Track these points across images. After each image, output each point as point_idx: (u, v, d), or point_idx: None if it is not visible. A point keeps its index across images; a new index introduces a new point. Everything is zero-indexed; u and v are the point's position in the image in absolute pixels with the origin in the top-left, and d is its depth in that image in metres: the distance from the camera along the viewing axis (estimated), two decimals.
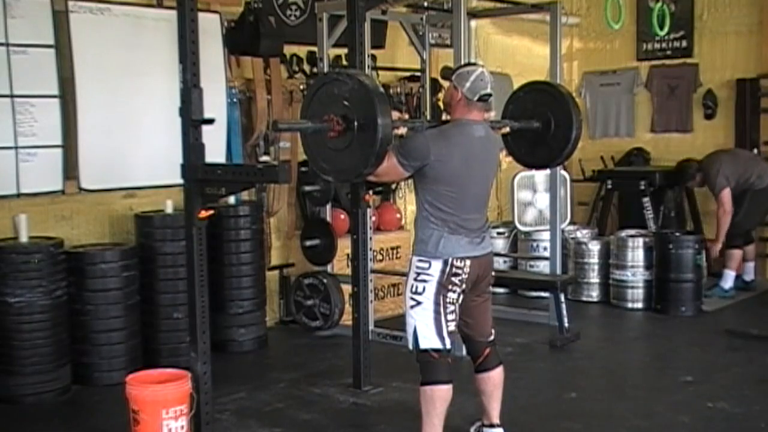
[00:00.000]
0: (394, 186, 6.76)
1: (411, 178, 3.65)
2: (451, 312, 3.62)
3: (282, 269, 6.33)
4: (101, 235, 5.32)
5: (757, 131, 7.65)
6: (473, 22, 6.92)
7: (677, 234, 6.78)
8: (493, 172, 3.80)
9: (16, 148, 4.80)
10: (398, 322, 4.99)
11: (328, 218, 6.13)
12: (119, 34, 5.20)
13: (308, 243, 6.06)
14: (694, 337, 5.98)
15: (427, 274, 3.59)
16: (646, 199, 7.53)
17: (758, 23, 7.72)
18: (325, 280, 5.97)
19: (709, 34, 7.99)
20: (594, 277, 7.03)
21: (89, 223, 5.28)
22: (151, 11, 5.37)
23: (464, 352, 4.05)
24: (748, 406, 4.47)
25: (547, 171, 6.37)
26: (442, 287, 3.58)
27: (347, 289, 5.54)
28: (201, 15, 3.80)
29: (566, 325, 5.81)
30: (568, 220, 6.95)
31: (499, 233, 7.54)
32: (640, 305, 6.73)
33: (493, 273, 3.91)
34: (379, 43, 6.63)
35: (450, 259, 3.58)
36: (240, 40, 5.65)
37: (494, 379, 3.87)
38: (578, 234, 7.37)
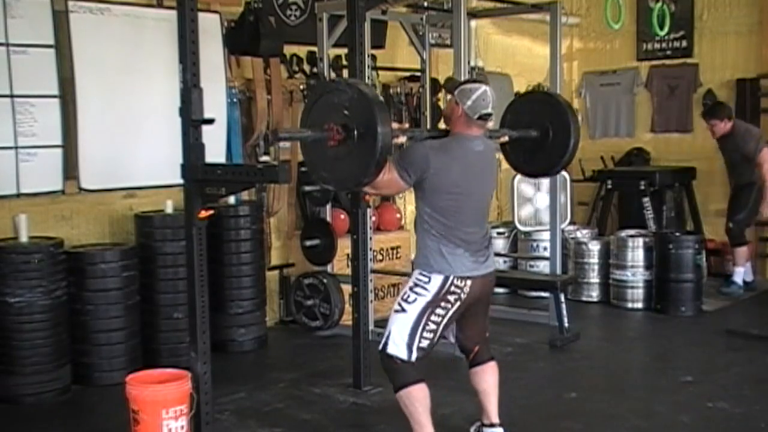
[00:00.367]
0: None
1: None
2: (430, 330, 3.61)
3: (282, 269, 6.33)
4: (101, 235, 5.32)
5: None
6: (473, 22, 6.93)
7: (677, 234, 6.78)
8: (492, 186, 3.83)
9: (16, 148, 4.80)
10: None
11: (328, 218, 6.14)
12: (119, 34, 5.20)
13: (308, 243, 6.06)
14: (694, 337, 5.98)
15: (424, 288, 3.60)
16: (646, 199, 7.53)
17: (758, 23, 7.72)
18: (325, 280, 5.97)
19: (709, 34, 8.00)
20: (594, 277, 7.03)
21: (89, 223, 5.28)
22: (151, 11, 5.37)
23: (458, 351, 4.05)
24: (748, 406, 4.47)
25: None
26: (434, 303, 3.59)
27: (347, 289, 5.54)
28: (201, 15, 3.79)
29: (566, 325, 5.81)
30: (568, 220, 6.94)
31: (499, 233, 7.54)
32: (640, 305, 6.73)
33: (492, 292, 3.94)
34: (379, 43, 6.63)
35: (451, 277, 3.59)
36: (240, 40, 5.65)
37: (488, 375, 3.88)
38: (578, 234, 7.37)
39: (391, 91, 6.83)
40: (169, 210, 5.25)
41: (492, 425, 3.88)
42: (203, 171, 3.71)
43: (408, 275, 3.95)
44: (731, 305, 6.80)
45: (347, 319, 5.58)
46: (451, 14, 5.55)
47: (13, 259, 4.58)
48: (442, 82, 6.82)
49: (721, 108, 7.07)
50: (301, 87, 6.12)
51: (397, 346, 3.60)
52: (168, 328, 5.15)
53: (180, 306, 4.92)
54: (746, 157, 6.79)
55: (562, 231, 6.51)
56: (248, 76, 5.96)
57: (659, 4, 7.32)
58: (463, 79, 3.65)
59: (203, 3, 5.14)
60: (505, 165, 8.49)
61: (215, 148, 5.36)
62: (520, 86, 8.06)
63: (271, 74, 5.96)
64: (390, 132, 3.28)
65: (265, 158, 6.00)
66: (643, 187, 7.55)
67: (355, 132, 3.26)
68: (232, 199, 5.57)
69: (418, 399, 3.61)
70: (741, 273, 7.04)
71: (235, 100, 5.84)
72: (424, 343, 3.61)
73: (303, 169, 6.14)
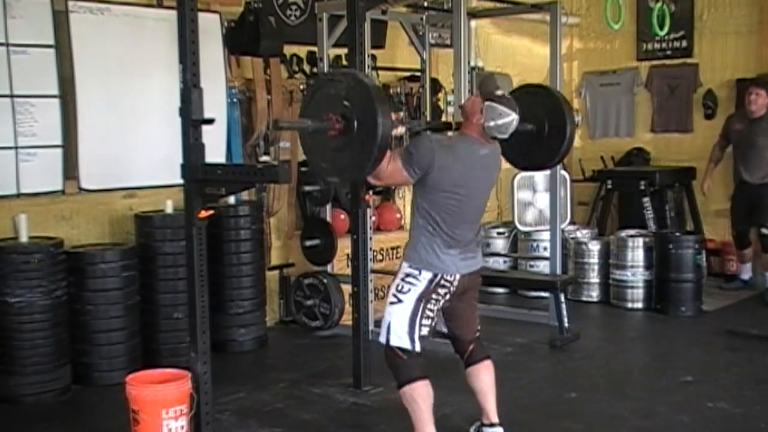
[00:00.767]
0: (393, 186, 6.76)
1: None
2: (428, 317, 3.65)
3: (282, 269, 6.33)
4: (101, 235, 5.32)
5: None
6: (473, 22, 6.93)
7: (677, 234, 6.78)
8: (489, 190, 3.83)
9: (16, 148, 4.80)
10: None
11: (328, 218, 6.13)
12: (119, 34, 5.20)
13: (308, 243, 6.06)
14: (694, 337, 5.98)
15: (416, 279, 3.64)
16: (646, 199, 7.53)
17: (758, 23, 7.72)
18: (325, 280, 5.97)
19: (709, 34, 7.99)
20: (594, 277, 7.03)
21: (89, 223, 5.28)
22: (151, 11, 5.37)
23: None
24: (748, 406, 4.47)
25: (547, 171, 6.37)
26: (426, 295, 3.63)
27: (347, 289, 5.54)
28: (201, 15, 3.79)
29: (566, 325, 5.81)
30: (568, 220, 6.94)
31: (499, 233, 7.54)
32: (640, 305, 6.73)
33: (479, 284, 3.94)
34: (379, 43, 6.63)
35: (440, 274, 3.62)
36: (240, 40, 5.65)
37: (483, 373, 3.89)
38: (578, 234, 7.37)
39: (391, 91, 6.82)
40: (169, 210, 5.25)
41: (492, 425, 3.88)
42: (203, 171, 3.71)
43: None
44: (731, 305, 6.79)
45: (347, 319, 5.58)
46: (451, 14, 5.56)
47: (13, 259, 4.58)
48: (446, 82, 6.83)
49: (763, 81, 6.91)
50: (301, 87, 6.11)
51: (400, 337, 3.62)
52: (168, 328, 5.15)
53: (180, 306, 4.92)
54: None
55: (562, 231, 6.51)
56: (248, 76, 5.96)
57: (659, 4, 7.31)
58: (500, 92, 3.65)
59: (203, 3, 5.14)
60: (505, 165, 8.53)
61: (215, 148, 5.36)
62: None
63: (271, 74, 5.96)
64: (390, 122, 3.28)
65: (265, 158, 6.01)
66: (643, 187, 7.55)
67: (355, 122, 3.26)
68: (232, 199, 5.57)
69: (421, 396, 3.62)
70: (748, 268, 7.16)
71: (235, 100, 5.84)
72: (424, 331, 3.64)
73: (303, 169, 6.14)
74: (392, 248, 6.54)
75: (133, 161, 5.29)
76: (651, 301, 6.69)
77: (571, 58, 8.75)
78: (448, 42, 6.70)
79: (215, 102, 5.36)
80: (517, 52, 8.11)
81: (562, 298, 5.88)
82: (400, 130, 3.59)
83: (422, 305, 3.63)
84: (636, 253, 6.76)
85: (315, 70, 6.12)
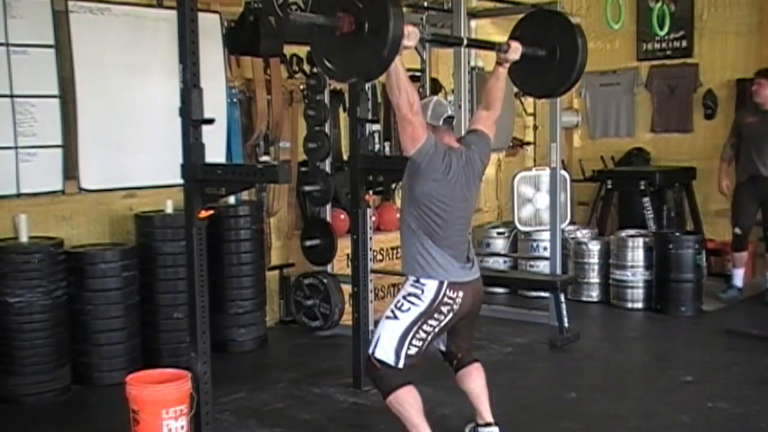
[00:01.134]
0: (394, 186, 6.75)
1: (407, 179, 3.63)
2: (420, 339, 3.61)
3: (282, 269, 6.33)
4: (101, 235, 5.32)
5: None
6: (473, 22, 6.93)
7: (677, 234, 6.78)
8: (475, 195, 3.79)
9: (16, 148, 4.80)
10: None
11: (328, 218, 6.13)
12: (119, 34, 5.20)
13: (308, 243, 6.06)
14: (694, 337, 5.98)
15: (418, 299, 3.60)
16: (646, 199, 7.53)
17: (758, 23, 7.71)
18: (325, 280, 5.97)
19: (709, 34, 7.99)
20: (594, 277, 7.03)
21: (89, 223, 5.28)
22: (151, 11, 5.37)
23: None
24: (748, 406, 4.47)
25: (547, 170, 6.37)
26: (427, 314, 3.59)
27: (347, 289, 5.54)
28: (201, 15, 3.79)
29: (566, 325, 5.81)
30: (568, 220, 6.94)
31: (499, 233, 7.54)
32: (640, 305, 6.73)
33: (480, 304, 3.92)
34: None
35: (444, 285, 3.58)
36: (240, 40, 5.65)
37: (474, 375, 3.89)
38: (578, 234, 7.37)
39: None
40: (169, 210, 5.25)
41: (487, 424, 3.88)
42: (203, 171, 3.71)
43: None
44: (731, 305, 6.79)
45: (347, 319, 5.58)
46: (451, 14, 5.56)
47: (13, 259, 4.58)
48: (446, 82, 6.84)
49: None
50: (301, 87, 6.12)
51: (386, 351, 3.60)
52: (168, 328, 5.15)
53: (180, 306, 4.92)
54: None
55: (562, 231, 6.51)
56: (248, 76, 5.97)
57: (659, 4, 7.31)
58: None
59: (203, 3, 5.14)
60: (505, 165, 8.51)
61: (215, 148, 5.36)
62: None
63: (271, 74, 5.96)
64: (401, 25, 3.20)
65: (265, 158, 6.01)
66: (643, 187, 7.54)
67: (366, 23, 3.18)
68: (232, 199, 5.57)
69: (407, 401, 3.61)
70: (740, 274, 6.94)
71: (235, 100, 5.84)
72: (412, 351, 3.60)
73: (303, 169, 6.15)
74: (392, 248, 6.54)
75: (133, 161, 5.29)
76: (651, 301, 6.69)
77: None
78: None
79: (215, 102, 5.36)
80: None
81: (562, 298, 5.88)
82: (412, 42, 3.45)
83: (417, 327, 3.58)
84: (636, 253, 6.76)
85: (315, 70, 6.11)
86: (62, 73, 4.95)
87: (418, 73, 6.76)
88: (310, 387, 4.86)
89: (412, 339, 3.59)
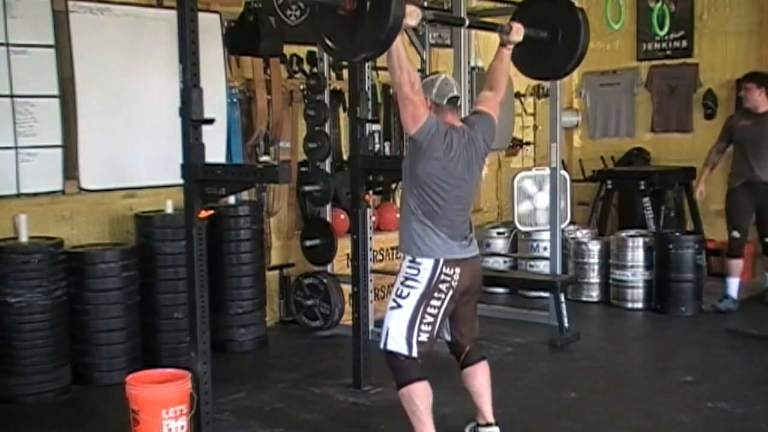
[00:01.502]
0: (394, 186, 6.75)
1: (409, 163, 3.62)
2: (428, 323, 3.61)
3: (282, 269, 6.33)
4: (101, 235, 5.32)
5: None
6: (477, 19, 6.91)
7: (677, 234, 6.78)
8: (477, 176, 3.78)
9: (16, 148, 4.80)
10: None
11: (328, 218, 6.13)
12: (119, 34, 5.20)
13: (308, 243, 6.06)
14: (694, 337, 5.98)
15: (415, 280, 3.61)
16: (646, 199, 7.53)
17: (758, 23, 7.72)
18: (325, 280, 5.97)
19: (709, 34, 7.99)
20: (594, 277, 7.03)
21: (89, 223, 5.28)
22: (151, 11, 5.37)
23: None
24: (748, 406, 4.47)
25: (547, 170, 6.37)
26: (427, 295, 3.60)
27: (347, 289, 5.54)
28: (201, 15, 3.79)
29: (566, 325, 5.81)
30: (568, 220, 6.94)
31: (499, 233, 7.54)
32: (640, 305, 6.73)
33: (481, 284, 3.92)
34: None
35: (440, 263, 3.59)
36: (240, 40, 5.65)
37: (479, 374, 3.89)
38: (578, 234, 7.37)
39: (391, 91, 6.82)
40: (169, 210, 5.25)
41: (488, 424, 3.89)
42: (203, 171, 3.71)
43: None
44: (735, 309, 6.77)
45: (347, 319, 5.58)
46: (451, 14, 5.55)
47: (13, 259, 4.58)
48: None
49: (762, 75, 6.60)
50: (301, 87, 6.12)
51: (397, 342, 3.61)
52: (168, 328, 5.15)
53: (180, 306, 4.92)
54: None
55: (562, 231, 6.51)
56: (248, 76, 5.96)
57: (659, 4, 7.31)
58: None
59: (203, 3, 5.14)
60: (505, 165, 8.50)
61: (215, 148, 5.36)
62: (521, 86, 8.07)
63: (271, 74, 5.96)
64: (403, 5, 3.19)
65: (265, 158, 6.01)
66: (643, 187, 7.54)
67: (368, 1, 3.17)
68: (232, 199, 5.57)
69: (419, 397, 3.62)
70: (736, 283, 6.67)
71: (235, 100, 5.84)
72: (423, 337, 3.60)
73: (303, 169, 6.15)
74: (392, 248, 6.53)
75: (133, 161, 5.29)
76: (651, 301, 6.69)
77: None
78: (448, 42, 6.70)
79: (215, 102, 5.36)
80: None
81: (562, 298, 5.88)
82: (414, 21, 3.42)
83: (422, 309, 3.59)
84: (636, 253, 6.76)
85: (315, 70, 6.12)
86: (62, 73, 4.95)
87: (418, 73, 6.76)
88: (310, 387, 4.86)
89: (420, 324, 3.59)
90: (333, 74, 6.22)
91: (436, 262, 3.59)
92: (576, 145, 8.99)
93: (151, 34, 5.31)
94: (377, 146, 6.69)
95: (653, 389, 4.82)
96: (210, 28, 5.41)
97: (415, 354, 3.60)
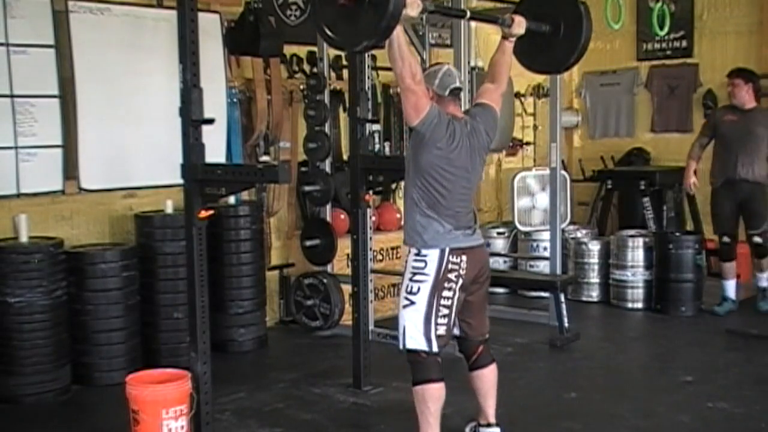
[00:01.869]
0: (394, 186, 6.76)
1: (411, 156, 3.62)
2: (444, 316, 3.60)
3: (282, 269, 6.33)
4: (101, 235, 5.32)
5: None
6: (473, 23, 6.91)
7: (677, 234, 6.77)
8: (480, 167, 3.77)
9: (16, 148, 4.80)
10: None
11: (328, 218, 6.13)
12: (119, 34, 5.20)
13: (308, 243, 6.06)
14: (694, 337, 5.98)
15: (423, 273, 3.60)
16: (646, 199, 7.53)
17: (758, 23, 7.72)
18: (325, 280, 5.97)
19: (709, 34, 7.99)
20: (594, 277, 7.03)
21: (89, 223, 5.28)
22: (151, 11, 5.37)
23: (458, 351, 4.05)
24: (748, 406, 4.47)
25: (547, 170, 6.37)
26: (438, 286, 3.58)
27: (347, 289, 5.54)
28: (201, 15, 3.80)
29: (566, 325, 5.81)
30: (568, 220, 6.94)
31: (499, 233, 7.54)
32: (640, 305, 6.73)
33: (489, 272, 3.90)
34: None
35: (446, 252, 3.58)
36: (240, 40, 5.65)
37: (488, 377, 3.88)
38: (578, 234, 7.37)
39: (391, 91, 6.83)
40: (169, 210, 5.25)
41: (489, 425, 3.88)
42: (203, 171, 3.71)
43: None
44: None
45: (347, 319, 5.58)
46: (452, 7, 5.54)
47: (13, 259, 4.58)
48: None
49: (749, 72, 6.53)
50: (301, 87, 6.12)
51: (415, 339, 3.60)
52: (168, 328, 5.15)
53: (180, 306, 4.92)
54: None
55: (562, 231, 6.51)
56: (248, 76, 5.96)
57: (659, 4, 7.30)
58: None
59: (203, 3, 5.14)
60: (505, 165, 8.50)
61: (215, 148, 5.36)
62: (521, 86, 8.07)
63: (271, 74, 5.96)
64: None
65: (265, 158, 6.01)
66: (643, 187, 7.55)
67: None
68: (232, 199, 5.56)
69: (432, 398, 3.62)
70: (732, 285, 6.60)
71: (235, 100, 5.84)
72: (441, 330, 3.59)
73: (303, 169, 6.15)
74: (392, 248, 6.54)
75: (133, 161, 5.29)
76: (651, 301, 6.68)
77: None
78: (448, 42, 6.69)
79: (215, 102, 5.36)
80: None
81: (562, 298, 5.87)
82: (415, 12, 3.42)
83: (435, 302, 3.58)
84: (636, 253, 6.76)
85: (315, 70, 6.12)
86: (62, 73, 4.95)
87: None
88: (310, 387, 4.86)
89: (436, 318, 3.58)
90: (333, 74, 6.22)
91: (442, 252, 3.58)
92: (576, 145, 8.99)
93: (151, 34, 5.31)
94: (377, 146, 6.69)
95: (653, 389, 4.82)
96: (210, 28, 5.41)
97: (435, 349, 3.60)
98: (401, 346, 3.66)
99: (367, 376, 4.79)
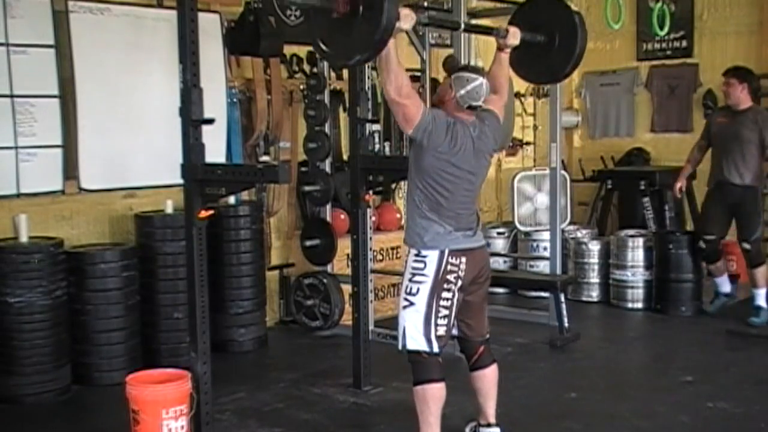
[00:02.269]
0: (394, 186, 6.76)
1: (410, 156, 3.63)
2: (444, 316, 3.61)
3: (282, 269, 6.33)
4: (101, 235, 5.32)
5: None
6: (473, 22, 6.91)
7: (677, 234, 6.77)
8: (485, 169, 3.79)
9: (16, 148, 4.80)
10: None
11: (328, 218, 6.13)
12: (119, 34, 5.20)
13: (308, 243, 6.06)
14: (694, 337, 5.98)
15: (422, 275, 3.60)
16: (646, 199, 7.53)
17: (758, 23, 7.72)
18: (325, 280, 5.97)
19: (709, 34, 8.00)
20: (594, 277, 7.03)
21: (89, 223, 5.28)
22: (151, 11, 5.37)
23: (458, 351, 4.05)
24: (748, 406, 4.47)
25: (547, 170, 6.37)
26: (437, 287, 3.59)
27: (347, 289, 5.54)
28: (201, 15, 3.80)
29: (566, 325, 5.81)
30: (568, 220, 6.94)
31: (499, 233, 7.54)
32: (640, 305, 6.73)
33: (489, 273, 3.90)
34: None
35: (446, 253, 3.58)
36: (240, 40, 5.65)
37: (489, 377, 3.88)
38: (578, 234, 7.37)
39: None
40: (169, 210, 5.25)
41: (489, 425, 3.89)
42: (203, 171, 3.71)
43: None
44: (731, 305, 6.77)
45: (347, 319, 5.58)
46: (451, 14, 5.55)
47: (13, 259, 4.58)
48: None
49: (744, 71, 6.40)
50: (301, 87, 6.12)
51: (416, 340, 3.61)
52: (168, 328, 5.16)
53: (180, 306, 4.93)
54: (763, 145, 6.08)
55: (562, 231, 6.51)
56: (248, 76, 5.96)
57: (659, 4, 7.30)
58: (463, 63, 3.65)
59: (203, 3, 5.14)
60: (505, 165, 8.50)
61: (215, 148, 5.36)
62: (521, 86, 8.06)
63: (271, 74, 5.96)
64: (396, 9, 3.20)
65: (265, 158, 6.01)
66: (643, 187, 7.55)
67: (361, 5, 3.19)
68: (232, 199, 5.57)
69: (433, 399, 3.62)
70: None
71: (235, 100, 5.84)
72: (441, 331, 3.61)
73: (303, 169, 6.15)
74: (392, 248, 6.54)
75: (133, 161, 5.29)
76: (651, 301, 6.69)
77: None
78: (448, 42, 6.70)
79: (215, 102, 5.36)
80: None
81: (562, 298, 5.88)
82: (407, 25, 3.43)
83: (435, 303, 3.58)
84: (636, 253, 6.76)
85: (315, 70, 6.12)
86: (62, 73, 4.95)
87: (418, 74, 6.76)
88: (310, 387, 4.86)
89: (436, 319, 3.59)
90: (333, 74, 6.22)
91: (441, 253, 3.59)
92: (576, 145, 8.99)
93: (151, 34, 5.31)
94: (377, 146, 6.69)
95: (653, 389, 4.82)
96: (210, 28, 5.41)
97: (436, 349, 3.61)
98: (401, 347, 3.67)
99: (367, 376, 4.79)
